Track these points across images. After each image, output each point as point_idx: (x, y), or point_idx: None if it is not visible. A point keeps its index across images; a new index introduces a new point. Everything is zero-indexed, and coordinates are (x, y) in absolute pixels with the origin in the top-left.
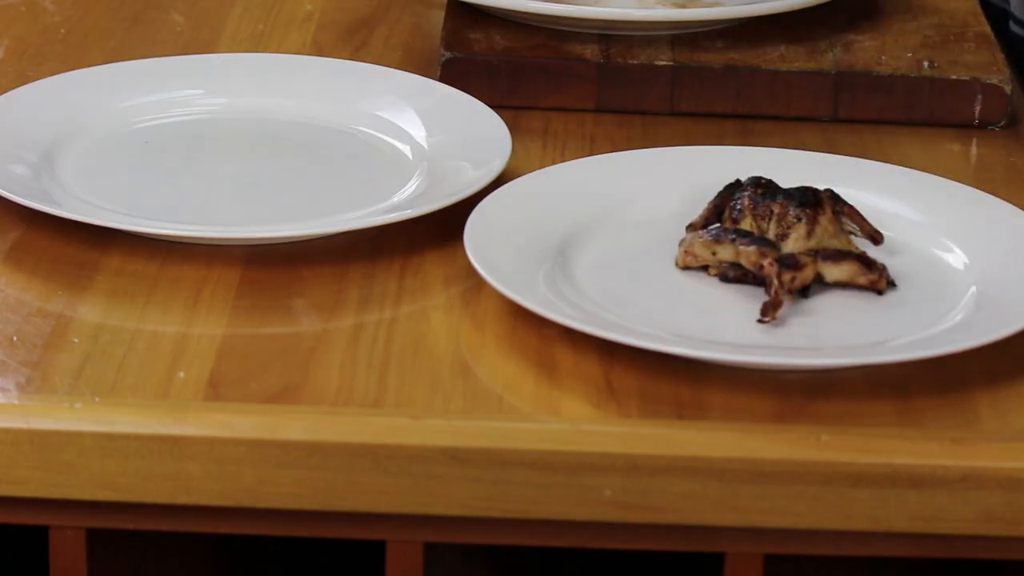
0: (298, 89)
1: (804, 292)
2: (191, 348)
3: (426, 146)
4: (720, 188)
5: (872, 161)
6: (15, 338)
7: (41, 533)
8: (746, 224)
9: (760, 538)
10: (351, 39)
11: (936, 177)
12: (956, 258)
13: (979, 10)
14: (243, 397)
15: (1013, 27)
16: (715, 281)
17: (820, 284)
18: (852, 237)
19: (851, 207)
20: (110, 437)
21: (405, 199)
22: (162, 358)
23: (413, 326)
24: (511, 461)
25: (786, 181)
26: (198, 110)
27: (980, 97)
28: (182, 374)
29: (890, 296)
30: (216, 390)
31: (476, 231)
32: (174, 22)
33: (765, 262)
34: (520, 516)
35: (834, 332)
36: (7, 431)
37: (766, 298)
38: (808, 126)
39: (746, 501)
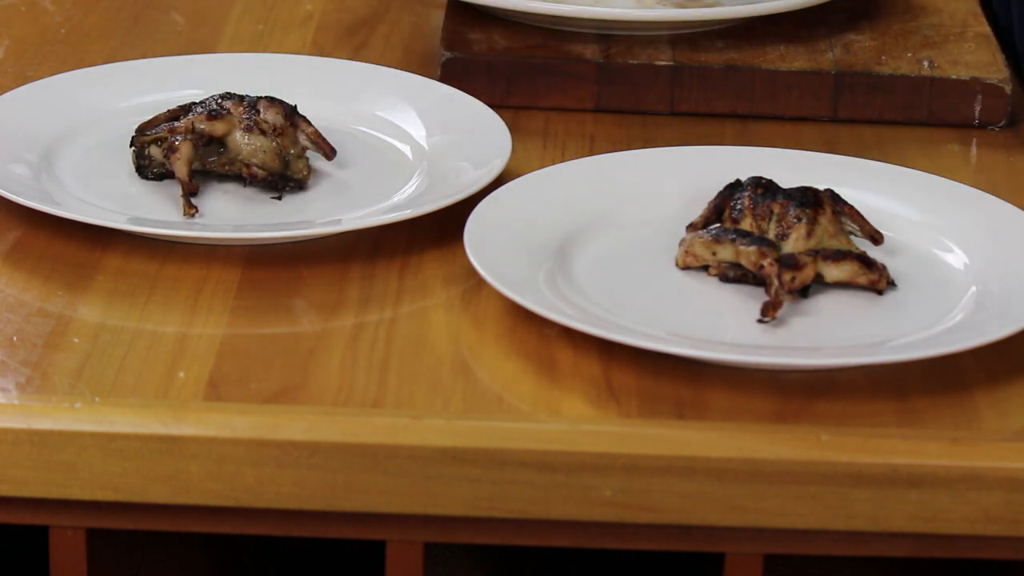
0: (298, 89)
1: (804, 292)
2: (191, 348)
3: (426, 146)
4: (720, 188)
5: (872, 161)
6: (15, 338)
7: (41, 533)
8: (746, 224)
9: (760, 538)
10: (351, 39)
11: (936, 177)
12: (956, 258)
13: (979, 10)
14: (243, 397)
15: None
16: (715, 281)
17: (820, 284)
18: (852, 237)
19: (851, 207)
20: (110, 437)
21: (405, 199)
22: (162, 358)
23: (413, 326)
24: (511, 461)
25: (786, 181)
26: None
27: (980, 97)
28: (182, 374)
29: (890, 296)
30: (216, 390)
31: (476, 231)
32: (174, 22)
33: (765, 262)
34: (520, 516)
35: (834, 332)
36: (7, 431)
37: (766, 298)
38: (808, 126)
39: (746, 501)
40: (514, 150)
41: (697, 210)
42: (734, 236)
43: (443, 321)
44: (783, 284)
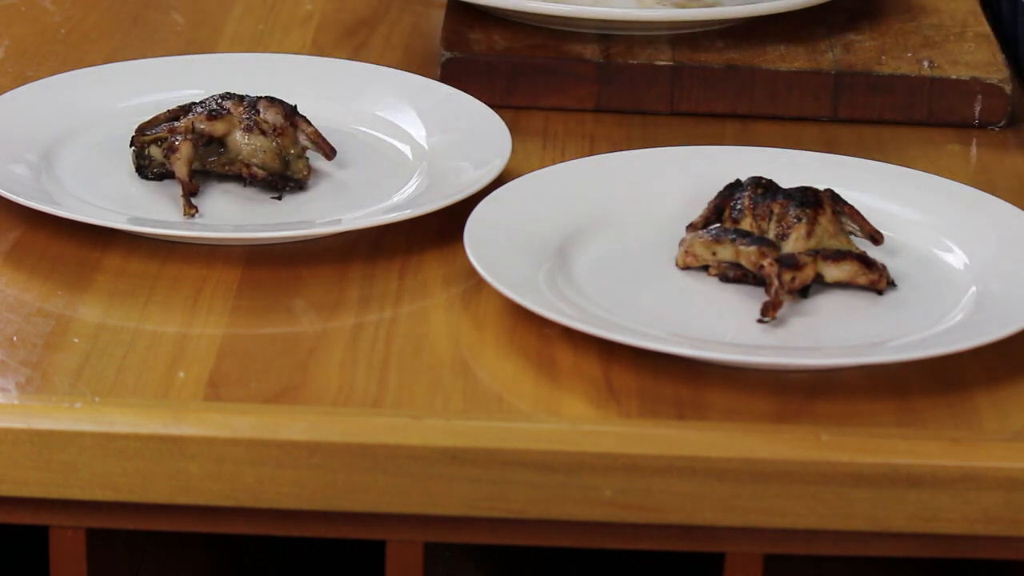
0: (298, 89)
1: (804, 292)
2: (191, 348)
3: (426, 146)
4: (720, 188)
5: (872, 161)
6: (15, 338)
7: (41, 533)
8: (746, 224)
9: (760, 538)
10: (351, 39)
11: (936, 177)
12: (956, 258)
13: (979, 10)
14: (243, 397)
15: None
16: (715, 281)
17: (820, 284)
18: (852, 237)
19: (851, 207)
20: (110, 437)
21: (405, 199)
22: (162, 358)
23: (413, 326)
24: (511, 461)
25: (786, 181)
26: None
27: (980, 97)
28: (182, 374)
29: (890, 296)
30: (216, 390)
31: (476, 231)
32: (174, 22)
33: (765, 262)
34: (520, 516)
35: (834, 332)
36: (7, 431)
37: (766, 298)
38: (808, 126)
39: (746, 501)
40: (514, 150)
41: (697, 210)
42: (734, 236)
43: (443, 321)
44: (783, 284)
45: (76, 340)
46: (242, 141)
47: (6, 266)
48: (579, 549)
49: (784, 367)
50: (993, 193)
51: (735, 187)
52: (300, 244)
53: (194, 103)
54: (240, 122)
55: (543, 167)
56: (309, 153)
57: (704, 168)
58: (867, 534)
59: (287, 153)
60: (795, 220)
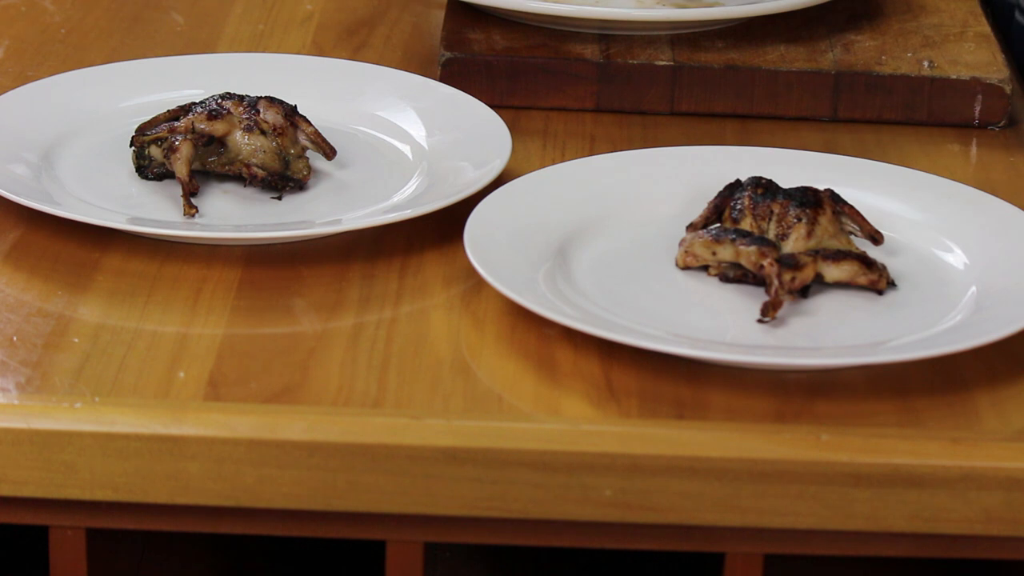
0: (298, 89)
1: (804, 292)
2: (191, 348)
3: (426, 146)
4: (720, 188)
5: (872, 161)
6: (15, 338)
7: (41, 533)
8: (746, 224)
9: (760, 538)
10: (351, 39)
11: (936, 177)
12: (956, 258)
13: (979, 10)
14: (243, 397)
15: (1019, 17)
16: (715, 281)
17: (820, 284)
18: (852, 237)
19: (851, 207)
20: (110, 437)
21: (405, 199)
22: (162, 358)
23: (413, 326)
24: (511, 461)
25: (786, 181)
26: None
27: (980, 97)
28: (182, 374)
29: (890, 296)
30: (216, 390)
31: (476, 231)
32: (174, 22)
33: (765, 262)
34: (520, 516)
35: (834, 332)
36: (7, 431)
37: (766, 298)
38: (808, 126)
39: (746, 501)
40: (514, 150)
41: (697, 210)
42: (734, 236)
43: (443, 321)
44: (783, 284)
45: (76, 340)
46: (242, 141)
47: (6, 266)
48: (579, 549)
49: (784, 367)
50: (993, 193)
51: (735, 187)
52: (300, 244)
53: (194, 103)
54: (240, 122)
55: (543, 167)
56: (309, 153)
57: (704, 168)
58: (867, 534)
59: (287, 153)
60: (795, 220)
